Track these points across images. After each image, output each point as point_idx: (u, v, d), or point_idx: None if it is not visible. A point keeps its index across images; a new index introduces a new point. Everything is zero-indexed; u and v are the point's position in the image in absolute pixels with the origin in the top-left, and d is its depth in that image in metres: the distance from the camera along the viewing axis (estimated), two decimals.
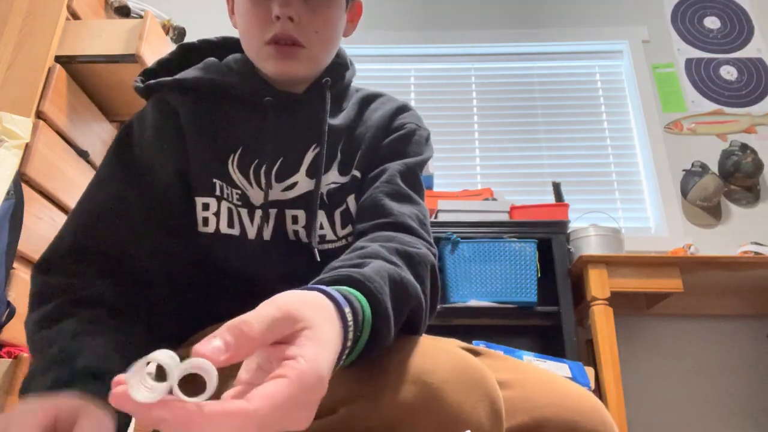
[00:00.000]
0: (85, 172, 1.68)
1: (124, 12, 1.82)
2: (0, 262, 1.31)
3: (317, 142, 0.78)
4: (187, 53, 0.85)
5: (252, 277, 0.75)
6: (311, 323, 0.39)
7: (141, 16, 1.77)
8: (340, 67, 0.85)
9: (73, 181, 1.61)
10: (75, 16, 1.68)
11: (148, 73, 0.83)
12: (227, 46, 0.87)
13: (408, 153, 0.82)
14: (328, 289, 0.47)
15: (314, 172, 0.77)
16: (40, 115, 1.49)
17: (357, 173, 0.80)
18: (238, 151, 0.76)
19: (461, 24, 3.13)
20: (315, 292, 0.45)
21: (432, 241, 0.72)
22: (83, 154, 1.65)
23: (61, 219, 1.55)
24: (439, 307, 0.73)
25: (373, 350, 0.51)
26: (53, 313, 0.63)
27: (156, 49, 1.69)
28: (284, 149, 0.77)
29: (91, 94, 1.73)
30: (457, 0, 3.20)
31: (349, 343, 0.46)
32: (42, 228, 1.49)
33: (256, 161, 0.76)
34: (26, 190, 1.41)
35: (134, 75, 1.69)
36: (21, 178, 1.40)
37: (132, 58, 1.62)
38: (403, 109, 0.87)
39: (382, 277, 0.54)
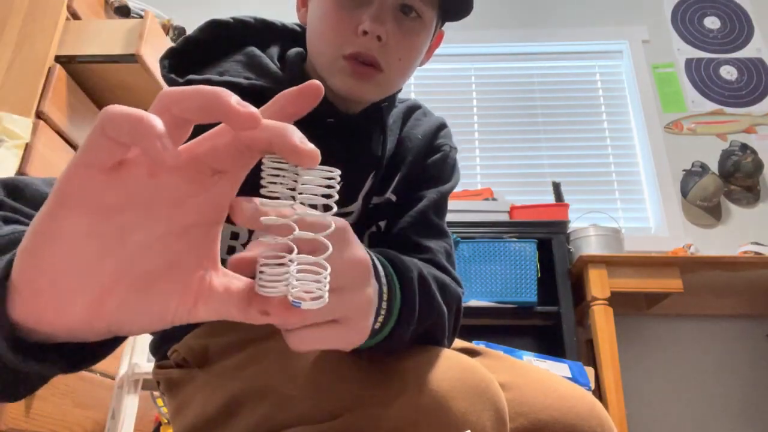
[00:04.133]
0: None
1: (124, 12, 1.82)
2: None
3: (376, 171, 0.74)
4: (218, 32, 0.72)
5: None
6: None
7: (141, 16, 1.77)
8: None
9: None
10: (75, 16, 1.67)
11: (175, 55, 0.70)
12: (265, 33, 0.75)
13: (443, 177, 0.79)
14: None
15: (368, 199, 0.73)
16: (40, 115, 1.49)
17: (392, 197, 0.76)
18: None
19: (461, 24, 3.11)
20: None
21: (458, 277, 0.71)
22: None
23: None
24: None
25: (399, 336, 0.51)
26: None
27: (156, 49, 1.69)
28: (345, 175, 0.72)
29: (91, 94, 1.72)
30: None
31: (384, 304, 0.47)
32: None
33: None
34: None
35: (134, 75, 1.70)
36: None
37: (132, 58, 1.62)
38: (442, 126, 0.83)
39: (414, 265, 0.54)
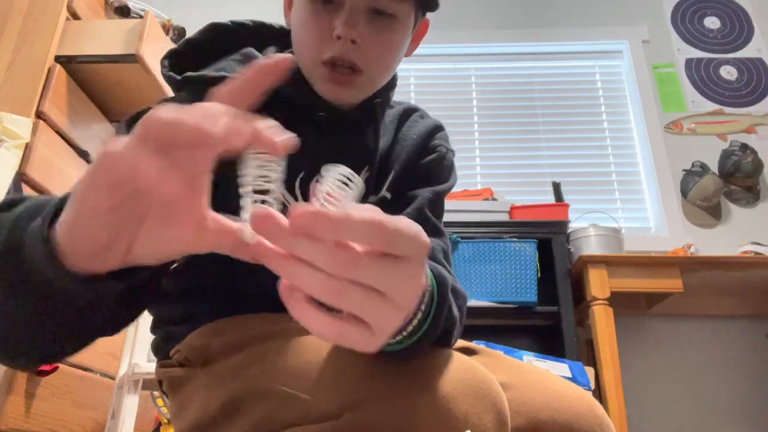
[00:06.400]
0: None
1: (124, 12, 1.82)
2: None
3: (369, 166, 0.75)
4: (217, 35, 0.76)
5: (248, 289, 0.71)
6: None
7: (141, 16, 1.77)
8: (389, 86, 0.81)
9: (73, 181, 1.61)
10: (75, 16, 1.68)
11: (175, 56, 0.74)
12: (262, 34, 0.79)
13: (438, 178, 0.80)
14: None
15: (365, 197, 0.74)
16: (40, 115, 1.49)
17: (387, 194, 0.76)
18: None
19: (461, 24, 3.13)
20: None
21: (455, 276, 0.70)
22: (83, 154, 1.65)
23: None
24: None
25: (416, 349, 0.50)
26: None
27: (156, 49, 1.69)
28: None
29: (91, 94, 1.72)
30: (457, 0, 3.20)
31: (422, 306, 0.46)
32: None
33: (302, 174, 0.71)
34: (26, 190, 1.41)
35: (134, 75, 1.70)
36: (21, 178, 1.40)
37: (132, 58, 1.62)
38: (438, 128, 0.84)
39: (449, 278, 0.54)
